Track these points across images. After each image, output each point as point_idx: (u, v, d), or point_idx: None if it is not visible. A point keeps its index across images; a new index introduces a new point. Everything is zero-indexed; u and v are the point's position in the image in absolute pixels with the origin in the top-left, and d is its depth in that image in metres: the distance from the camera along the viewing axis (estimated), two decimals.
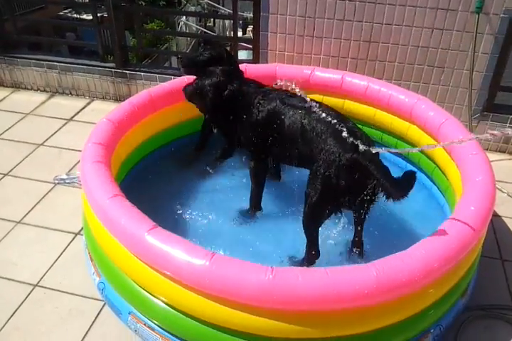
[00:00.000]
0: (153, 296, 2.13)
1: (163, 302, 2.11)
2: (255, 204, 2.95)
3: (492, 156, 3.69)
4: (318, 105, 2.34)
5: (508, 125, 3.76)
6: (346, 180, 2.26)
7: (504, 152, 3.90)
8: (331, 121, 2.32)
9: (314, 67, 3.52)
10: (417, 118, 3.01)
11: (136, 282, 2.19)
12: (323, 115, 2.34)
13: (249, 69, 3.34)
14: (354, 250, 2.64)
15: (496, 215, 3.13)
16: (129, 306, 2.26)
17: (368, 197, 2.32)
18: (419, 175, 3.14)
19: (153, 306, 2.14)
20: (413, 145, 3.11)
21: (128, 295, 2.26)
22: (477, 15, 3.38)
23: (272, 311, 1.89)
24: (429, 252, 1.97)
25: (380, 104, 3.21)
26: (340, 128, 2.25)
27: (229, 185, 3.19)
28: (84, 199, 2.49)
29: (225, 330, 1.99)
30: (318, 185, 2.35)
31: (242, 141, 2.87)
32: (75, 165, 3.52)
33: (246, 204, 2.97)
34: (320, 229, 2.50)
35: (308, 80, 3.36)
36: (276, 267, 1.87)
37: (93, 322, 2.43)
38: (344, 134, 2.18)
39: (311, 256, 2.50)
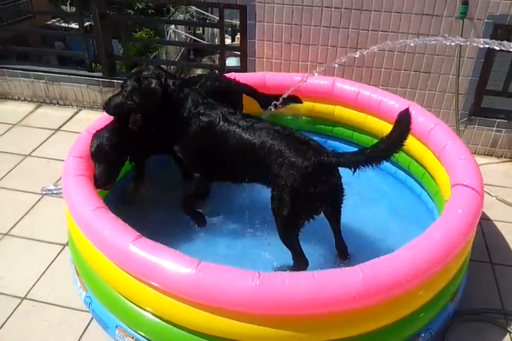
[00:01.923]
0: (140, 308, 2.11)
1: (150, 313, 2.09)
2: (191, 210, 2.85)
3: (480, 160, 3.71)
4: (259, 121, 2.48)
5: (495, 129, 3.79)
6: (315, 186, 2.28)
7: (492, 155, 3.92)
8: (280, 134, 2.38)
9: (304, 73, 3.53)
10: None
11: (123, 294, 2.17)
12: (270, 130, 2.40)
13: (238, 79, 3.33)
14: (338, 254, 2.65)
15: (484, 219, 3.14)
16: (116, 320, 2.24)
17: (335, 199, 2.39)
18: (410, 180, 3.18)
19: (140, 318, 2.12)
20: (403, 150, 3.10)
21: (114, 309, 2.24)
22: (462, 21, 3.41)
23: (259, 317, 1.89)
24: (416, 255, 1.97)
25: (370, 110, 3.23)
26: (292, 139, 2.33)
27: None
28: (68, 213, 2.46)
29: (213, 339, 1.98)
30: (288, 198, 2.31)
31: (182, 153, 2.75)
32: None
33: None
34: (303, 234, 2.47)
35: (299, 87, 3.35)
36: (262, 272, 1.87)
37: (82, 334, 2.39)
38: (298, 145, 2.28)
39: (301, 265, 2.47)
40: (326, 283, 1.85)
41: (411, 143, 2.98)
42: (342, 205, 2.52)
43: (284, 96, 2.97)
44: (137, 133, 2.66)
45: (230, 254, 2.66)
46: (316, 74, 2.93)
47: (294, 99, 3.12)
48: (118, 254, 2.06)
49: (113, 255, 2.10)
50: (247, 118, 2.55)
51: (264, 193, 2.56)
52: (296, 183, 2.28)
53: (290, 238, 2.44)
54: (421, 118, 2.92)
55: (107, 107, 2.68)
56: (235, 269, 1.91)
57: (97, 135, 2.72)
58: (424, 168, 2.97)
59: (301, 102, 3.18)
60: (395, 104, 3.09)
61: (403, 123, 2.14)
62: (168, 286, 1.94)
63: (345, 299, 1.83)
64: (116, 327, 2.23)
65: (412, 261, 1.94)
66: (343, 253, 2.66)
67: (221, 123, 2.52)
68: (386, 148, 2.19)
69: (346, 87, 3.33)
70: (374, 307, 1.93)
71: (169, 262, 1.92)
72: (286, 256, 2.50)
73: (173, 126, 2.63)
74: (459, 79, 3.62)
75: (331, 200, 2.42)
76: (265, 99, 3.15)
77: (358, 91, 3.26)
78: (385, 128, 3.15)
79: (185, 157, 2.76)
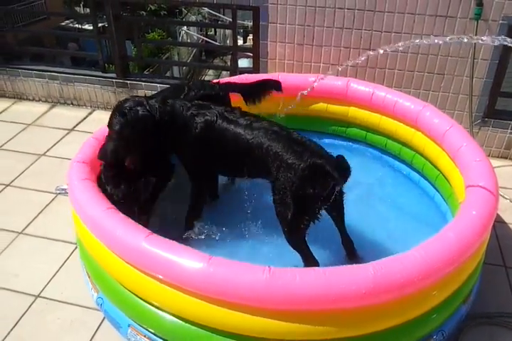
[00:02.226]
0: (152, 306, 2.13)
1: (161, 310, 2.11)
2: (192, 224, 2.79)
3: (494, 162, 3.66)
4: (257, 120, 2.49)
5: (509, 131, 3.75)
6: (314, 187, 2.26)
7: (506, 158, 3.89)
8: (277, 135, 2.39)
9: (318, 74, 3.53)
10: (422, 125, 3.00)
11: (134, 292, 2.18)
12: (268, 130, 2.42)
13: (249, 80, 3.34)
14: (346, 252, 2.66)
15: (498, 221, 3.11)
16: (128, 319, 2.26)
17: (336, 199, 2.39)
18: (423, 182, 3.17)
19: (151, 316, 2.14)
20: (418, 151, 3.13)
21: (126, 307, 2.26)
22: (476, 22, 3.39)
23: (269, 312, 1.90)
24: (429, 254, 1.96)
25: (385, 111, 3.22)
26: (289, 140, 2.35)
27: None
28: (76, 216, 2.47)
29: (225, 334, 2.00)
30: (289, 201, 2.32)
31: (185, 162, 2.75)
32: None
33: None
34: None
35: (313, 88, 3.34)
36: (273, 267, 1.87)
37: (95, 332, 2.41)
38: (295, 147, 2.31)
39: (311, 266, 2.45)
40: (336, 278, 1.86)
41: (426, 144, 2.99)
42: (344, 204, 2.53)
43: (298, 97, 2.97)
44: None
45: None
46: (330, 73, 2.95)
47: (273, 85, 3.09)
48: (130, 251, 2.08)
49: (126, 252, 2.11)
50: (246, 116, 2.56)
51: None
52: (295, 186, 2.28)
53: (297, 240, 2.43)
54: (436, 119, 2.91)
55: (103, 157, 2.58)
56: (246, 264, 1.92)
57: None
58: (439, 170, 2.95)
59: (281, 89, 3.10)
60: (411, 105, 3.07)
61: None
62: (180, 281, 1.95)
63: (355, 295, 1.83)
64: (129, 326, 2.25)
65: (424, 260, 1.93)
66: (351, 251, 2.66)
67: (219, 121, 2.54)
68: None
69: (361, 87, 3.31)
70: (385, 305, 1.93)
71: (181, 257, 1.94)
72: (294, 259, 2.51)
73: (174, 138, 2.62)
74: (473, 80, 3.59)
75: (332, 201, 2.39)
76: (248, 89, 3.11)
77: (373, 91, 3.24)
78: (400, 129, 3.16)
79: (188, 163, 2.73)
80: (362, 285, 1.83)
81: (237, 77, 3.50)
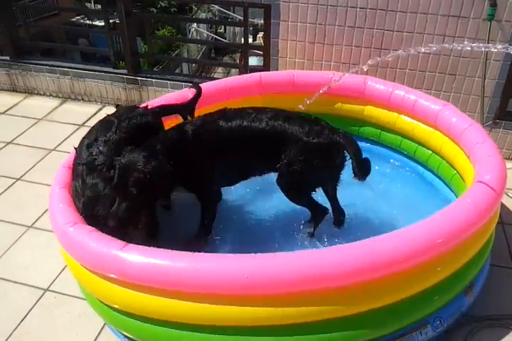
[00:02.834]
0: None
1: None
2: (209, 231, 2.80)
3: (506, 164, 3.67)
4: (258, 110, 2.60)
5: None
6: (331, 158, 2.52)
7: None
8: (285, 115, 2.55)
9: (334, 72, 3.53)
10: (441, 124, 2.99)
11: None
12: (276, 113, 2.56)
13: (264, 77, 3.39)
14: (334, 220, 2.82)
15: (509, 224, 3.10)
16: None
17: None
18: (438, 182, 3.16)
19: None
20: (434, 151, 3.13)
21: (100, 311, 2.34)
22: (489, 23, 3.37)
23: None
24: (433, 228, 2.04)
25: (404, 110, 3.21)
26: (299, 118, 2.54)
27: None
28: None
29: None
30: (301, 169, 2.49)
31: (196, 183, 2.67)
32: None
33: None
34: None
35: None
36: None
37: (103, 326, 2.44)
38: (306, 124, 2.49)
39: (320, 213, 2.72)
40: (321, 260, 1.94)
41: (444, 143, 2.99)
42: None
43: (316, 95, 2.97)
44: None
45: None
46: (347, 74, 2.98)
47: (196, 98, 3.04)
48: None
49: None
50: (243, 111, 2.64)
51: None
52: (312, 156, 2.47)
53: (306, 197, 2.66)
54: (455, 118, 2.92)
55: (115, 223, 2.28)
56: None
57: None
58: (455, 169, 2.94)
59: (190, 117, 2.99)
60: (430, 104, 3.06)
61: None
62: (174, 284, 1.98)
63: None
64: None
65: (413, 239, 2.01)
66: (338, 219, 2.82)
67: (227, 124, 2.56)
68: None
69: (378, 86, 3.30)
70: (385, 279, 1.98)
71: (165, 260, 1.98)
72: None
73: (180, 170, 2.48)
74: (485, 81, 3.57)
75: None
76: (185, 109, 2.97)
77: (392, 90, 3.23)
78: (417, 128, 3.15)
79: (199, 182, 2.67)
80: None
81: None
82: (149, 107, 2.84)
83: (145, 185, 2.26)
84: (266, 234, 2.81)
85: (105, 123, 2.58)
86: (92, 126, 2.64)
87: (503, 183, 2.38)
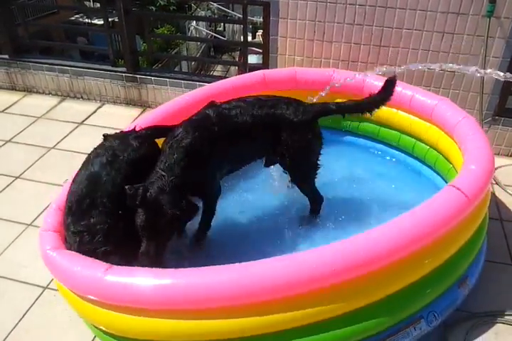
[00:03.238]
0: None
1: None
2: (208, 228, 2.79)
3: (503, 161, 3.68)
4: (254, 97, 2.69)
5: None
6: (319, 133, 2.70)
7: None
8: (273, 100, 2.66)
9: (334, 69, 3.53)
10: (436, 119, 3.00)
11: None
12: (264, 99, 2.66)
13: (267, 75, 3.41)
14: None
15: (507, 220, 3.10)
16: None
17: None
18: (435, 177, 3.16)
19: None
20: (431, 146, 3.13)
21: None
22: (488, 19, 3.36)
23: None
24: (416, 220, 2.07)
25: (401, 106, 3.21)
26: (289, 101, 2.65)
27: None
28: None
29: None
30: (308, 147, 2.67)
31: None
32: None
33: None
34: None
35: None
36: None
37: None
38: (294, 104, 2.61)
39: (319, 201, 2.87)
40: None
41: (440, 137, 2.99)
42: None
43: (322, 94, 2.97)
44: None
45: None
46: (357, 75, 3.02)
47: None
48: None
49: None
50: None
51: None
52: (309, 133, 2.64)
53: (312, 184, 2.79)
54: (449, 112, 2.92)
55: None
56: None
57: None
58: (450, 163, 2.93)
59: None
60: (427, 99, 3.06)
61: (388, 89, 2.63)
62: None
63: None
64: None
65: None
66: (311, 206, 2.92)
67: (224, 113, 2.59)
68: (369, 103, 2.67)
69: (377, 82, 3.28)
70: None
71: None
72: None
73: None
74: (484, 78, 3.57)
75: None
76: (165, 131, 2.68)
77: None
78: (414, 124, 3.16)
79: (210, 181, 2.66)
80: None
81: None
82: (139, 129, 2.68)
83: (174, 224, 2.31)
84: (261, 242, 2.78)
85: (102, 163, 2.40)
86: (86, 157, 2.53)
87: (490, 174, 2.41)
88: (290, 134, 2.60)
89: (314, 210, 2.91)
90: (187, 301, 1.90)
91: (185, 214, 2.34)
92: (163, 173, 2.35)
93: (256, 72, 3.56)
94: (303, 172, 2.78)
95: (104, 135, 2.64)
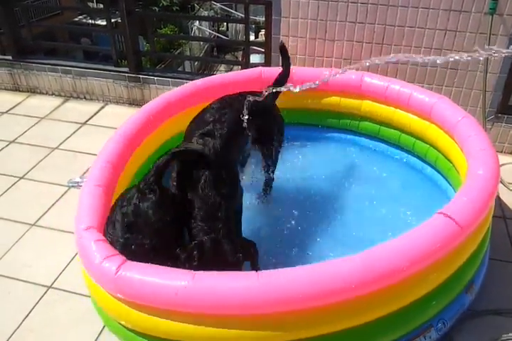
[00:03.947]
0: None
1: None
2: None
3: (507, 159, 3.68)
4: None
5: None
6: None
7: None
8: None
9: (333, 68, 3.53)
10: (435, 118, 2.99)
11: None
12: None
13: (265, 73, 3.41)
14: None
15: (510, 218, 3.09)
16: None
17: None
18: (437, 176, 3.15)
19: None
20: (431, 144, 3.12)
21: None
22: (491, 17, 3.35)
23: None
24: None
25: (399, 104, 3.21)
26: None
27: None
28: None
29: None
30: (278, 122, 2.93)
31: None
32: (89, 168, 3.55)
33: None
34: None
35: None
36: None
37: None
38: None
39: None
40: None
41: (439, 136, 2.98)
42: None
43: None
44: None
45: None
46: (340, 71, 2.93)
47: None
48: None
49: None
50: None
51: None
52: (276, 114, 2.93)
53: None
54: (449, 111, 2.90)
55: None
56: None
57: None
58: (451, 162, 2.93)
59: None
60: (425, 97, 3.06)
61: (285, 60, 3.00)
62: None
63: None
64: None
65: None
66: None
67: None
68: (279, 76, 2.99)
69: (375, 81, 3.30)
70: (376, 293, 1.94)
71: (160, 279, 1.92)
72: None
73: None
74: (487, 76, 3.55)
75: None
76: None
77: (388, 85, 3.22)
78: (414, 122, 3.15)
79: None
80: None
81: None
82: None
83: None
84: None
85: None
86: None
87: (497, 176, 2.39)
88: (263, 115, 2.78)
89: (270, 185, 3.05)
90: None
91: (246, 255, 2.22)
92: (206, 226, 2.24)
93: (254, 68, 3.58)
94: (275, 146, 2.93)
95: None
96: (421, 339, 2.14)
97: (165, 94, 3.34)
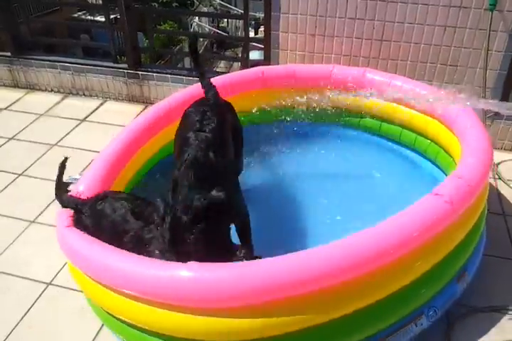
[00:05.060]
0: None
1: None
2: None
3: (506, 155, 3.69)
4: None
5: None
6: None
7: None
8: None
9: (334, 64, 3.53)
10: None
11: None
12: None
13: (266, 72, 3.42)
14: None
15: (509, 215, 3.09)
16: None
17: None
18: (437, 172, 3.15)
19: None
20: (432, 140, 3.13)
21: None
22: (491, 13, 3.34)
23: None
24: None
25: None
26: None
27: None
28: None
29: None
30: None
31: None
32: (88, 165, 3.55)
33: None
34: None
35: (329, 77, 3.36)
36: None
37: None
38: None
39: None
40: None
41: (441, 132, 2.98)
42: None
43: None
44: None
45: None
46: None
47: None
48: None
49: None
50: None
51: None
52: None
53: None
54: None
55: None
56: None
57: None
58: (451, 157, 2.92)
59: None
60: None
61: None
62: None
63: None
64: None
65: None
66: None
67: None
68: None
69: (377, 77, 3.29)
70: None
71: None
72: None
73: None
74: (487, 72, 3.55)
75: None
76: None
77: (390, 81, 3.22)
78: (415, 118, 3.15)
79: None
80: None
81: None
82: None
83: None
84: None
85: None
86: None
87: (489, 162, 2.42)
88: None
89: None
90: None
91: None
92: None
93: (255, 68, 3.57)
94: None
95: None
96: (412, 326, 2.15)
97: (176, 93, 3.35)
